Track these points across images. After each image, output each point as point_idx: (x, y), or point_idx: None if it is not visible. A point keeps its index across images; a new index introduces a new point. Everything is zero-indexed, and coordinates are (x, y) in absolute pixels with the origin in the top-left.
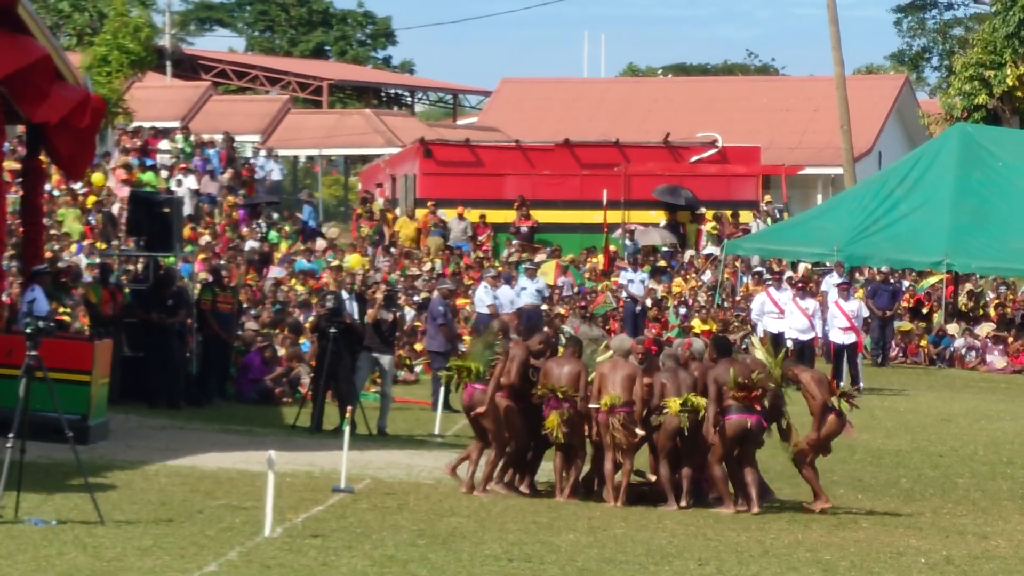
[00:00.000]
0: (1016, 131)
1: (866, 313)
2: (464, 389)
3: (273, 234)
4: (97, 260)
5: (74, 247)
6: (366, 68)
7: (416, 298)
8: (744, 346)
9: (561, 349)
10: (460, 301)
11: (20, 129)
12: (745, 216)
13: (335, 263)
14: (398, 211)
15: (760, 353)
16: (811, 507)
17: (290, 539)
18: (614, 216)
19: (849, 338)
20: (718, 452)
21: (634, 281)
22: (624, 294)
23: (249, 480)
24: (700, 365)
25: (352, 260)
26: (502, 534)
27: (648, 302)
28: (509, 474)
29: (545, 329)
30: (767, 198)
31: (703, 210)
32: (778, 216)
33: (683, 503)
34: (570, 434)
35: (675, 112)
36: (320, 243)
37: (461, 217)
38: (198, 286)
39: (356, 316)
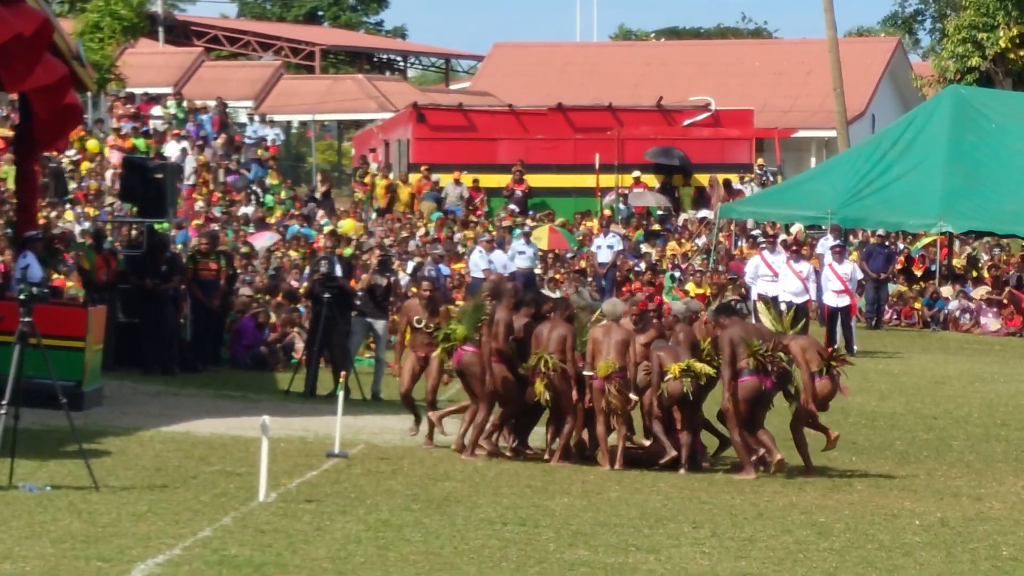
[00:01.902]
0: (1009, 93)
1: (860, 276)
2: (454, 352)
3: (269, 198)
4: (90, 225)
5: (69, 213)
6: (358, 33)
7: (410, 263)
8: (741, 308)
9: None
10: (456, 265)
11: (13, 96)
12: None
13: (329, 228)
14: (392, 176)
15: (766, 319)
16: (805, 474)
17: (284, 504)
18: (607, 180)
19: (843, 301)
20: (735, 417)
21: (602, 247)
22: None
23: (243, 446)
24: (706, 328)
25: (346, 225)
26: (496, 498)
27: (618, 266)
28: (496, 436)
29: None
30: (760, 161)
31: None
32: (771, 179)
33: (683, 471)
34: (558, 398)
35: (668, 76)
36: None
37: (457, 182)
38: None
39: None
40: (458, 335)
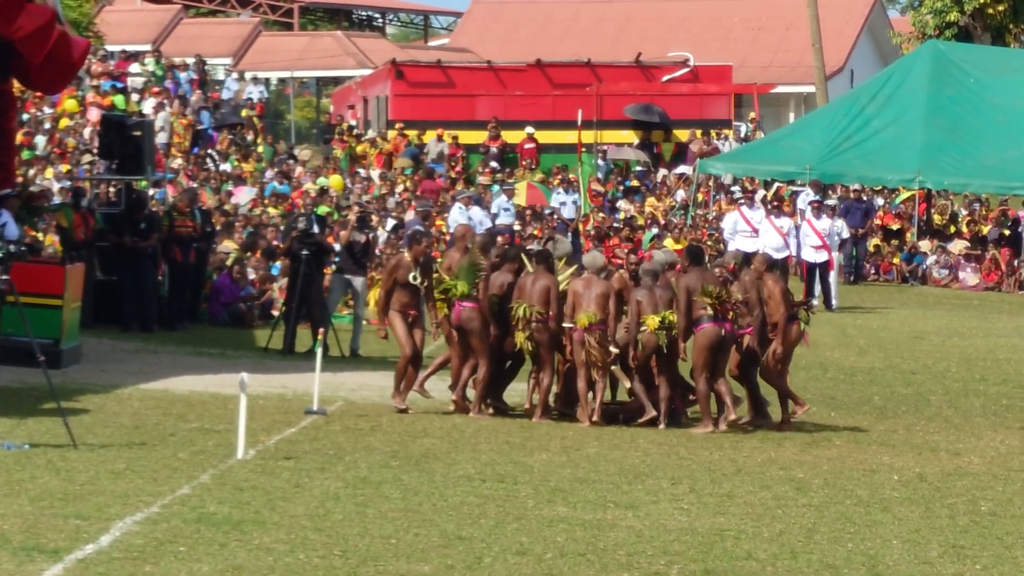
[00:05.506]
0: (988, 48)
1: (846, 233)
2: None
3: (232, 161)
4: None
5: (50, 171)
6: None
7: (390, 220)
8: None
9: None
10: (436, 222)
11: None
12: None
13: (307, 185)
14: (370, 132)
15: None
16: (793, 413)
17: (263, 461)
18: (587, 136)
19: (821, 256)
20: (698, 365)
21: (566, 204)
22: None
23: (221, 403)
24: (669, 275)
25: (333, 181)
26: (475, 455)
27: (580, 225)
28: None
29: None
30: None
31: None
32: (750, 135)
33: (661, 425)
34: (538, 349)
35: (647, 32)
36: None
37: (440, 139)
38: None
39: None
40: (458, 291)
